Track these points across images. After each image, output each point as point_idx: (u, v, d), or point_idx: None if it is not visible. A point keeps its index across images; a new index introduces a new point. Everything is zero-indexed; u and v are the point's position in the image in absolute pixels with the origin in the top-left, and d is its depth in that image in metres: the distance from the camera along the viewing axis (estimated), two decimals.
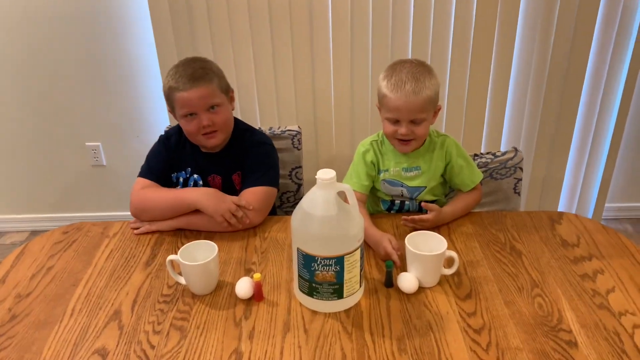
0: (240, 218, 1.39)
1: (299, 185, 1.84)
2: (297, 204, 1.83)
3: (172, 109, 1.49)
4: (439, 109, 1.43)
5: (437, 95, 1.39)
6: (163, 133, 1.62)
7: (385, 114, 1.39)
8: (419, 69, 1.36)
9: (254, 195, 1.46)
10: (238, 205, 1.39)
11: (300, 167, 1.82)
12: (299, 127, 1.80)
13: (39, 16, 2.26)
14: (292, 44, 2.18)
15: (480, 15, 2.11)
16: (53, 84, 2.40)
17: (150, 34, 2.21)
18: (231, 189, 1.56)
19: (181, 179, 1.57)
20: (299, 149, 1.80)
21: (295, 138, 1.78)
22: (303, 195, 1.85)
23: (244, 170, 1.55)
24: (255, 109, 2.31)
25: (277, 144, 1.76)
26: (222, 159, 1.55)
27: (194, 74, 1.43)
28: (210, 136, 1.47)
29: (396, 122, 1.38)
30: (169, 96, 1.46)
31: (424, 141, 1.46)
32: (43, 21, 2.27)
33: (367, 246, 1.33)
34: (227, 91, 1.52)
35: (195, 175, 1.56)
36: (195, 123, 1.45)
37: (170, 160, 1.56)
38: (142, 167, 1.55)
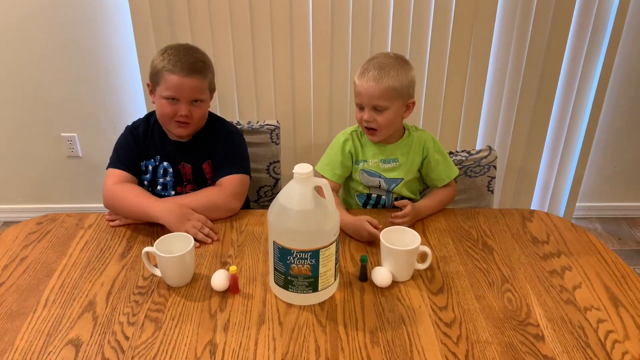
0: (207, 234, 1.36)
1: (277, 180, 1.85)
2: (274, 198, 1.85)
3: (154, 86, 1.47)
4: (412, 104, 1.45)
5: (406, 89, 1.41)
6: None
7: (354, 99, 1.46)
8: (389, 61, 1.40)
9: (230, 183, 1.47)
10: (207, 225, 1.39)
11: (278, 161, 1.82)
12: (277, 121, 1.80)
13: (14, 4, 2.22)
14: (271, 37, 2.18)
15: (459, 14, 2.14)
16: (29, 73, 2.36)
17: (129, 23, 2.19)
18: (201, 178, 1.56)
19: (150, 167, 1.55)
20: (277, 144, 1.80)
21: (273, 132, 1.78)
22: (280, 189, 1.87)
23: (214, 159, 1.55)
24: (234, 101, 2.31)
25: (255, 138, 1.77)
26: (192, 148, 1.55)
27: (195, 65, 1.43)
28: (181, 125, 1.47)
29: (362, 108, 1.43)
30: (158, 74, 1.44)
31: (402, 133, 1.50)
32: (19, 9, 2.23)
33: (343, 239, 1.35)
34: (212, 90, 1.53)
35: (165, 163, 1.55)
36: (174, 109, 1.44)
37: (138, 149, 1.55)
38: (111, 158, 1.53)
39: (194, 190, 1.54)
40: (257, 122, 1.79)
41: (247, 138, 1.63)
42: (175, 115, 1.45)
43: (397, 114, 1.43)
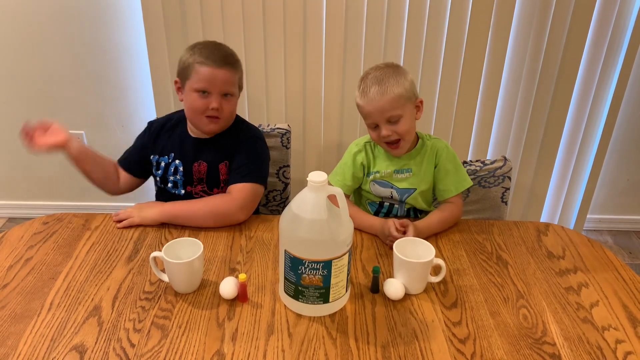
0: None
1: (286, 185, 1.82)
2: (283, 203, 1.83)
3: (183, 80, 1.47)
4: (420, 102, 1.43)
5: (411, 91, 1.39)
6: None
7: (365, 121, 1.43)
8: (384, 72, 1.38)
9: (241, 192, 1.44)
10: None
11: (288, 166, 1.80)
12: (288, 125, 1.78)
13: (23, 1, 2.21)
14: (284, 41, 2.16)
15: (473, 23, 2.11)
16: (37, 70, 2.35)
17: (140, 22, 2.17)
18: (215, 178, 1.53)
19: (162, 164, 1.55)
20: (287, 148, 1.78)
21: (284, 137, 1.76)
22: (290, 194, 1.84)
23: (232, 162, 1.52)
24: (245, 105, 2.29)
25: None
26: (212, 146, 1.53)
27: (227, 58, 1.44)
28: (212, 120, 1.46)
29: (376, 127, 1.40)
30: (188, 67, 1.44)
31: (417, 142, 1.47)
32: (28, 7, 2.21)
33: (354, 249, 1.32)
34: (241, 87, 1.53)
35: (177, 161, 1.54)
36: (205, 102, 1.44)
37: (148, 144, 1.57)
38: (125, 151, 1.62)
39: (203, 190, 1.53)
40: (268, 125, 1.76)
41: None
42: (206, 110, 1.44)
43: (412, 117, 1.41)
